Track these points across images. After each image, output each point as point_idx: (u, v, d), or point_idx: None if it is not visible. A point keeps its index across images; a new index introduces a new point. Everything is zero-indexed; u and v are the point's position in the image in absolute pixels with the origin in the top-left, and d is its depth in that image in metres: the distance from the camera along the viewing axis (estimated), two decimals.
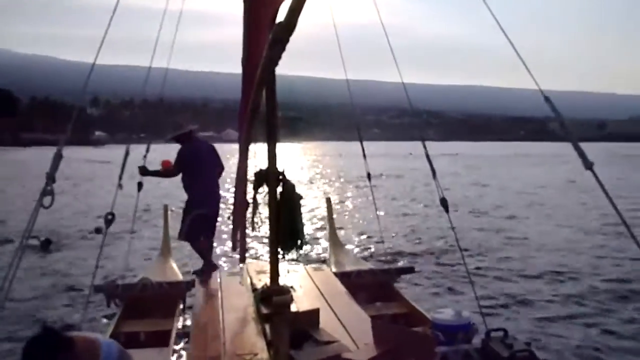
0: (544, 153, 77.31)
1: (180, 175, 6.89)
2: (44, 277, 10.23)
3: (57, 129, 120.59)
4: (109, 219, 4.99)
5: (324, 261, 8.69)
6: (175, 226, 7.49)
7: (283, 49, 3.14)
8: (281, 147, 4.41)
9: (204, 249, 6.95)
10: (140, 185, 6.98)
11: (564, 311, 8.12)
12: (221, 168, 7.22)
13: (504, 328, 4.06)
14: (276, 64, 3.49)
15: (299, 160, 61.69)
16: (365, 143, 7.26)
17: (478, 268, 10.50)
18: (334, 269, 6.93)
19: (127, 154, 5.49)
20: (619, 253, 11.87)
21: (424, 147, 5.05)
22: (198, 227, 6.80)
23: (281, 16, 3.13)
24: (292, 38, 2.94)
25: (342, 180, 34.96)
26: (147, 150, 7.15)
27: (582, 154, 2.71)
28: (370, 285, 6.62)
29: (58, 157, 2.62)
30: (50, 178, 2.53)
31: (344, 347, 3.67)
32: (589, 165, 2.69)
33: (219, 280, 6.22)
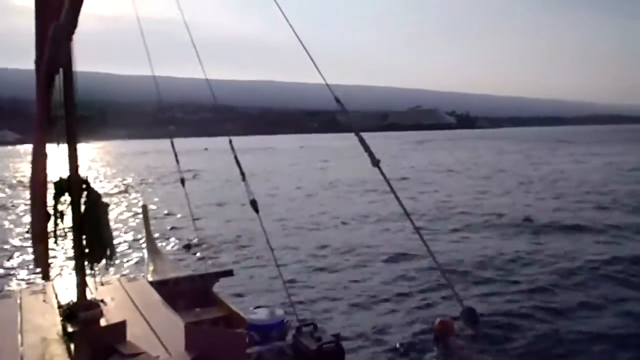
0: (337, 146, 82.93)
1: None
2: None
3: None
4: None
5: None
6: None
7: (67, 47, 2.99)
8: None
9: None
10: None
11: (368, 300, 8.82)
12: None
13: (313, 322, 4.26)
14: (60, 62, 3.30)
15: (97, 162, 59.34)
16: (160, 140, 7.18)
17: (289, 265, 11.01)
18: (150, 278, 6.71)
19: None
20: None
21: (232, 148, 5.08)
22: None
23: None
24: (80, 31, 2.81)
25: (150, 181, 34.10)
26: None
27: (369, 152, 2.92)
28: (189, 292, 6.53)
29: None
30: None
31: (151, 358, 3.57)
32: (376, 163, 2.91)
33: (19, 300, 5.69)
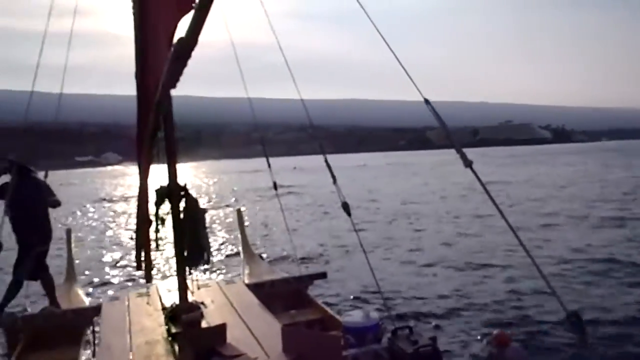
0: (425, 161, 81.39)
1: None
2: None
3: None
4: None
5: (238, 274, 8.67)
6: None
7: (184, 65, 3.11)
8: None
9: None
10: None
11: (463, 304, 8.58)
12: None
13: (409, 325, 4.19)
14: (177, 80, 3.44)
15: (193, 179, 61.45)
16: (253, 160, 7.35)
17: (383, 268, 10.92)
18: (247, 281, 6.88)
19: None
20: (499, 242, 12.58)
21: (324, 156, 5.11)
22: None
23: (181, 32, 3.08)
24: None
25: (242, 196, 35.16)
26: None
27: (462, 153, 2.84)
28: (284, 294, 6.63)
29: None
30: None
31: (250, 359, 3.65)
32: (468, 164, 2.83)
33: (127, 302, 6.01)
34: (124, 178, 70.31)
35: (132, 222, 22.93)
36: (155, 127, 4.46)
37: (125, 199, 37.88)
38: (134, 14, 4.53)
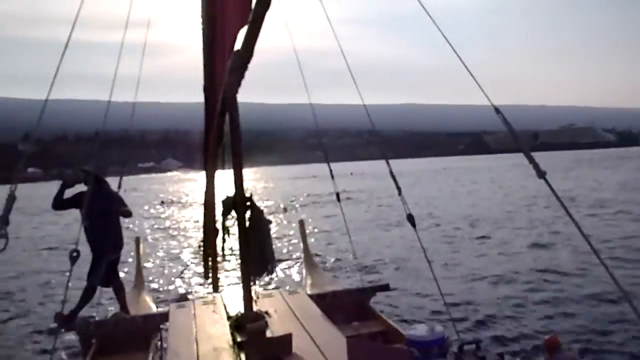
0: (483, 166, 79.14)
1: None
2: (10, 322, 10.04)
3: None
4: (74, 256, 4.85)
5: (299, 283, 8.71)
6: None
7: (242, 76, 3.14)
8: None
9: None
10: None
11: (532, 318, 8.29)
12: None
13: (477, 340, 4.09)
14: (236, 90, 3.50)
15: (251, 185, 62.02)
16: (309, 166, 7.35)
17: (448, 279, 10.68)
18: (309, 292, 6.90)
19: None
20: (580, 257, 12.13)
21: (388, 164, 5.08)
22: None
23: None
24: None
25: (302, 202, 35.24)
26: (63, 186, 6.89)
27: (535, 164, 2.77)
28: (346, 306, 6.60)
29: (11, 199, 2.56)
30: (3, 220, 2.46)
31: None
32: (541, 174, 2.75)
33: (193, 310, 6.14)
34: (184, 184, 72.04)
35: (193, 227, 23.53)
36: (218, 135, 4.56)
37: (188, 205, 38.80)
38: (203, 27, 4.66)
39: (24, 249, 19.41)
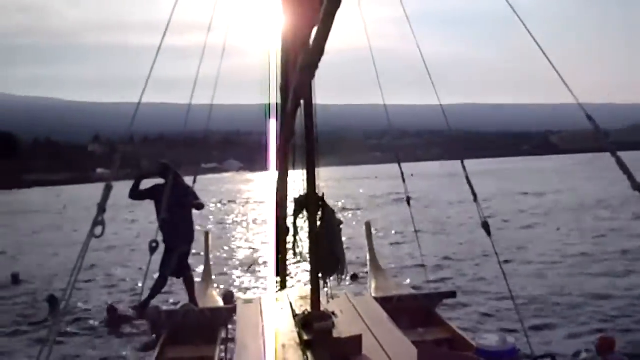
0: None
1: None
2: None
3: (58, 168, 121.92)
4: (154, 246, 5.02)
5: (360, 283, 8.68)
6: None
7: (312, 75, 3.16)
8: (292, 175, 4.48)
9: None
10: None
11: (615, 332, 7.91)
12: None
13: (552, 354, 3.97)
14: (308, 89, 3.52)
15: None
16: (368, 167, 7.27)
17: (521, 288, 10.32)
18: (374, 294, 6.87)
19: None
20: None
21: (464, 169, 4.98)
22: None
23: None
24: None
25: (366, 203, 34.98)
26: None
27: (629, 174, 2.62)
28: (412, 311, 6.52)
29: (108, 189, 2.70)
30: (101, 209, 2.61)
31: None
32: (637, 186, 2.60)
33: (260, 306, 6.23)
34: (247, 184, 73.14)
35: (259, 225, 23.87)
36: (289, 135, 4.61)
37: (251, 204, 39.41)
38: (278, 28, 4.71)
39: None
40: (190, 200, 7.14)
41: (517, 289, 10.40)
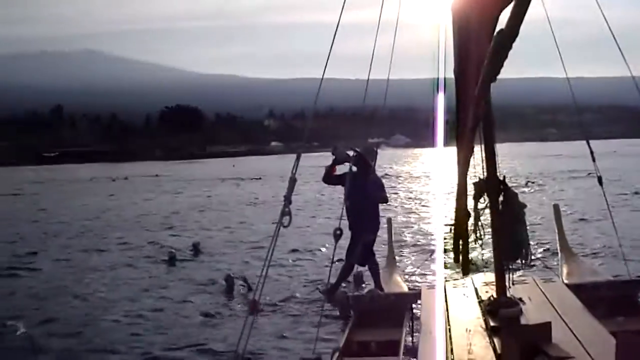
0: None
1: None
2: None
3: (237, 140, 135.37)
4: (338, 234, 5.24)
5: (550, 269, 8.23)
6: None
7: (505, 58, 3.10)
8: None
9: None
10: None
11: None
12: None
13: None
14: (497, 73, 3.46)
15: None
16: (544, 144, 6.72)
17: None
18: (566, 280, 6.51)
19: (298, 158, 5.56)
20: None
21: None
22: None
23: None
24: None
25: (541, 180, 33.14)
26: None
27: None
28: (610, 298, 6.07)
29: (292, 182, 2.93)
30: (287, 200, 2.85)
31: None
32: None
33: (444, 292, 6.25)
34: (416, 159, 71.91)
35: (434, 201, 23.41)
36: (476, 120, 4.53)
37: (422, 179, 38.82)
38: (454, 9, 4.65)
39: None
40: (378, 195, 7.33)
41: None
